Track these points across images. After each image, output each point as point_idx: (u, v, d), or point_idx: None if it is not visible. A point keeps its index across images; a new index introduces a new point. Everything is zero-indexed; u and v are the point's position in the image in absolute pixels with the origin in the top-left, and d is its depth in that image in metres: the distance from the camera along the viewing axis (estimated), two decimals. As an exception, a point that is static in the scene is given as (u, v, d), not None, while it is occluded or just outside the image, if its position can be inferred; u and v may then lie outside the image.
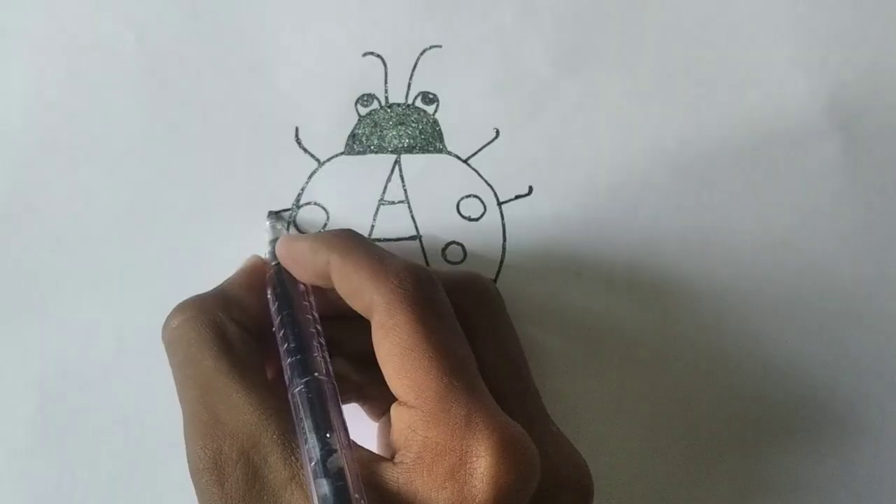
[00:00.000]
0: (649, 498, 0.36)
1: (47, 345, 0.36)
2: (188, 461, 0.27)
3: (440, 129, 0.37)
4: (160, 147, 0.36)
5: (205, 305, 0.30)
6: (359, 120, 0.37)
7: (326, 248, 0.29)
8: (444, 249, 0.36)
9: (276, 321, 0.30)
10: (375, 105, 0.37)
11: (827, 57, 0.37)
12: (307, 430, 0.26)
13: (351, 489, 0.25)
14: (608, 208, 0.37)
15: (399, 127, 0.37)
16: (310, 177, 0.36)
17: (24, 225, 0.36)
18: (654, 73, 0.37)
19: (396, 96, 0.37)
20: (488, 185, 0.37)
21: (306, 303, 0.31)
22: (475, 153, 0.37)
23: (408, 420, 0.26)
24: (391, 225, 0.36)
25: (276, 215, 0.36)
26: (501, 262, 0.36)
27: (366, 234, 0.36)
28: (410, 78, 0.37)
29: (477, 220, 0.37)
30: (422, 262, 0.36)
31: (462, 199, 0.37)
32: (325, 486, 0.25)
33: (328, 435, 0.26)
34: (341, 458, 0.25)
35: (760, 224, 0.37)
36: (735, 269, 0.37)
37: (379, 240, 0.36)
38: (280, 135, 0.36)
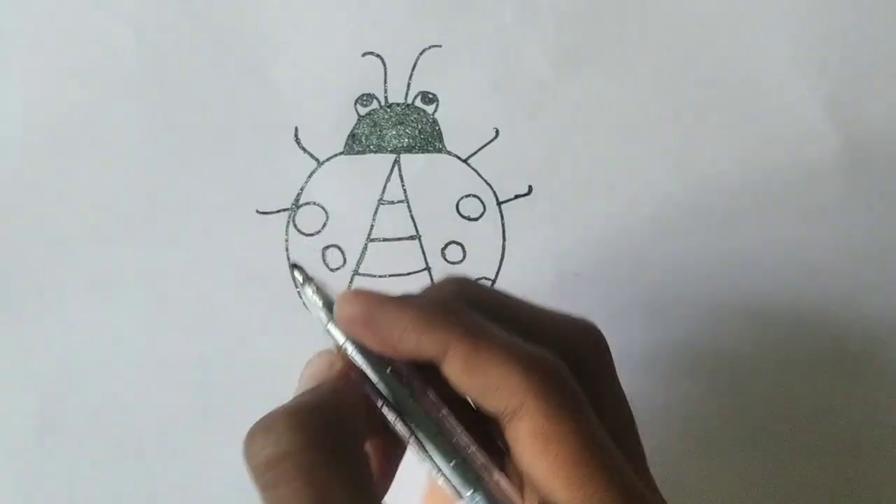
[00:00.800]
0: None
1: (47, 345, 0.36)
2: None
3: (440, 129, 0.37)
4: (160, 147, 0.36)
5: (321, 419, 0.25)
6: (358, 120, 0.37)
7: (445, 330, 0.24)
8: (443, 249, 0.36)
9: (395, 422, 0.25)
10: (375, 105, 0.37)
11: (827, 57, 0.37)
12: None
13: None
14: (608, 208, 0.37)
15: (398, 127, 0.37)
16: (309, 176, 0.36)
17: (24, 225, 0.36)
18: (654, 73, 0.37)
19: (396, 96, 0.37)
20: (488, 184, 0.37)
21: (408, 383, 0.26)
22: (475, 153, 0.37)
23: None
24: (391, 225, 0.36)
25: (299, 270, 0.27)
26: (501, 261, 0.36)
27: (365, 234, 0.36)
28: (410, 78, 0.37)
29: (476, 219, 0.37)
30: (421, 262, 0.36)
31: (461, 198, 0.37)
32: None
33: None
34: None
35: (760, 223, 0.37)
36: (734, 268, 0.37)
37: (378, 239, 0.36)
38: (279, 134, 0.36)
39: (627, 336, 0.36)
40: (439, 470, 0.25)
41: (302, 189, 0.36)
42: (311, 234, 0.36)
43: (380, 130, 0.37)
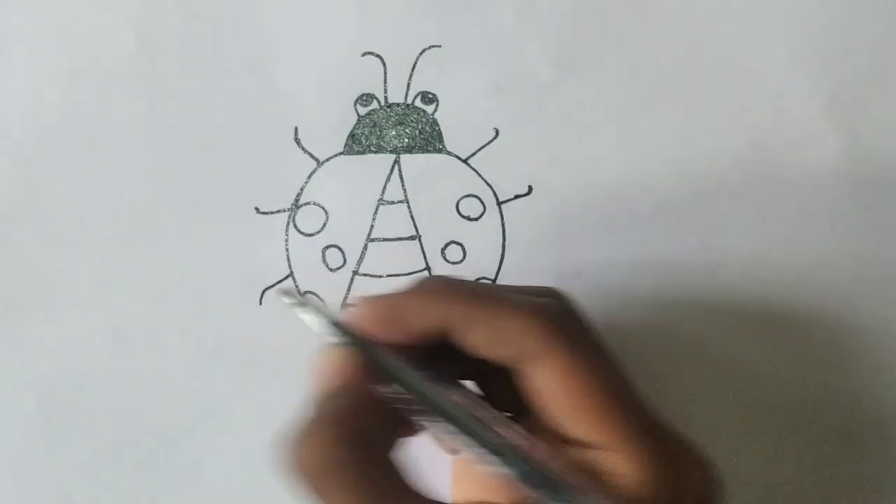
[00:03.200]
0: None
1: (47, 345, 0.36)
2: None
3: (440, 129, 0.37)
4: (160, 147, 0.36)
5: (347, 425, 0.26)
6: (358, 120, 0.37)
7: (443, 301, 0.26)
8: (443, 249, 0.36)
9: (429, 418, 0.26)
10: (375, 105, 0.37)
11: (827, 57, 0.37)
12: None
13: None
14: (608, 208, 0.37)
15: (398, 127, 0.37)
16: (309, 177, 0.36)
17: (24, 225, 0.36)
18: (654, 73, 0.37)
19: (396, 96, 0.37)
20: (488, 184, 0.37)
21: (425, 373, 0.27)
22: (475, 153, 0.37)
23: (607, 464, 0.25)
24: (391, 225, 0.36)
25: (285, 293, 0.29)
26: (501, 261, 0.36)
27: (365, 234, 0.36)
28: (410, 78, 0.37)
29: (476, 219, 0.37)
30: (421, 262, 0.36)
31: (461, 198, 0.37)
32: None
33: None
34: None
35: (760, 223, 0.37)
36: (734, 268, 0.37)
37: (379, 239, 0.36)
38: (279, 135, 0.36)
39: (627, 336, 0.36)
40: (470, 445, 0.26)
41: (302, 189, 0.36)
42: (311, 235, 0.36)
43: (380, 130, 0.37)
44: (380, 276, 0.36)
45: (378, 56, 0.37)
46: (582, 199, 0.37)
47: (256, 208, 0.36)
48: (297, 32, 0.37)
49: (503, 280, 0.36)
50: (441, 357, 0.27)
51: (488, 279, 0.36)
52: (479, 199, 0.37)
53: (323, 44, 0.37)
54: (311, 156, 0.36)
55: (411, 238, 0.36)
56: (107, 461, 0.35)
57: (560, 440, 0.26)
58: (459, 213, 0.37)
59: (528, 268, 0.36)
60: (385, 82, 0.37)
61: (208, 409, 0.36)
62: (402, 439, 0.27)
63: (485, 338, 0.26)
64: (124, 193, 0.36)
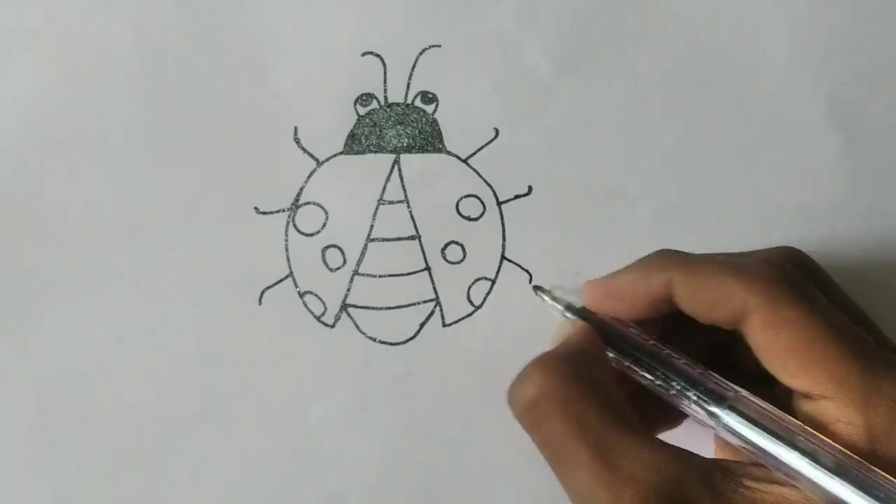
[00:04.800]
0: None
1: (47, 345, 0.36)
2: None
3: (439, 129, 0.37)
4: (159, 147, 0.36)
5: (567, 361, 0.28)
6: (358, 120, 0.37)
7: (660, 270, 0.29)
8: (443, 249, 0.36)
9: (642, 370, 0.29)
10: (374, 105, 0.37)
11: (827, 57, 0.37)
12: (776, 446, 0.26)
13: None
14: (608, 208, 0.37)
15: (398, 126, 0.37)
16: (309, 176, 0.36)
17: (24, 225, 0.36)
18: (654, 73, 0.37)
19: (396, 96, 0.37)
20: (488, 184, 0.37)
21: (650, 340, 0.30)
22: (475, 153, 0.37)
23: (832, 412, 0.26)
24: (390, 225, 0.36)
25: (540, 289, 0.35)
26: (501, 261, 0.36)
27: (365, 234, 0.36)
28: (410, 77, 0.37)
29: (476, 219, 0.37)
30: (421, 262, 0.36)
31: (461, 198, 0.37)
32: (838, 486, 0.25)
33: (801, 439, 0.26)
34: (839, 455, 0.25)
35: (761, 224, 0.37)
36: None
37: (378, 239, 0.36)
38: (279, 134, 0.36)
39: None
40: (689, 399, 0.28)
41: (301, 189, 0.36)
42: (311, 234, 0.36)
43: (379, 130, 0.37)
44: (380, 276, 0.36)
45: (378, 56, 0.37)
46: (582, 199, 0.37)
47: (256, 208, 0.36)
48: (297, 32, 0.37)
49: (502, 280, 0.36)
50: (667, 337, 0.30)
51: (489, 279, 0.36)
52: (479, 199, 0.37)
53: (323, 43, 0.37)
54: (311, 155, 0.36)
55: (411, 238, 0.36)
56: (107, 461, 0.35)
57: (784, 394, 0.27)
58: (459, 213, 0.37)
59: (528, 268, 0.36)
60: (385, 82, 0.37)
61: (208, 409, 0.36)
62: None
63: (706, 298, 0.28)
64: (124, 193, 0.36)
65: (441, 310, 0.36)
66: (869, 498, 0.24)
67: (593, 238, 0.37)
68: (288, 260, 0.36)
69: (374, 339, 0.36)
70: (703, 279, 0.28)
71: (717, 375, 0.28)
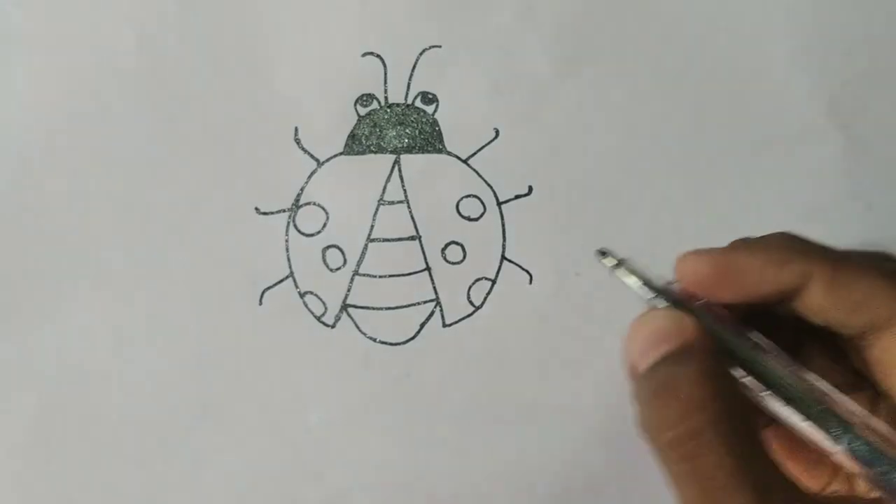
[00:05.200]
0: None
1: (47, 345, 0.36)
2: None
3: (440, 129, 0.37)
4: (160, 147, 0.36)
5: (715, 374, 0.23)
6: (358, 120, 0.37)
7: (800, 258, 0.25)
8: (443, 249, 0.36)
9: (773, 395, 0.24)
10: (375, 105, 0.37)
11: (827, 57, 0.37)
12: None
13: None
14: (608, 208, 0.37)
15: (398, 127, 0.37)
16: (309, 177, 0.36)
17: (24, 225, 0.36)
18: (654, 73, 0.37)
19: (396, 96, 0.37)
20: (488, 185, 0.37)
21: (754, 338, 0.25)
22: (475, 153, 0.37)
23: None
24: (391, 225, 0.36)
25: (603, 254, 0.28)
26: (501, 261, 0.36)
27: (365, 234, 0.36)
28: (410, 78, 0.37)
29: (477, 219, 0.37)
30: (421, 262, 0.36)
31: (462, 198, 0.37)
32: None
33: None
34: None
35: (761, 224, 0.37)
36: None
37: (379, 240, 0.36)
38: (279, 135, 0.36)
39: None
40: (808, 422, 0.24)
41: (302, 189, 0.36)
42: (312, 235, 0.36)
43: (380, 131, 0.37)
44: (380, 277, 0.36)
45: (378, 56, 0.37)
46: (582, 198, 0.37)
47: (257, 208, 0.36)
48: (298, 32, 0.37)
49: (503, 280, 0.36)
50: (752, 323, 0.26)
51: (489, 279, 0.36)
52: (479, 199, 0.37)
53: (323, 44, 0.37)
54: (312, 156, 0.36)
55: (411, 238, 0.36)
56: (107, 461, 0.35)
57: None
58: (459, 214, 0.37)
59: (529, 268, 0.36)
60: (385, 82, 0.37)
61: (208, 409, 0.36)
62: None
63: (852, 300, 0.25)
64: (124, 193, 0.36)
65: (441, 310, 0.36)
66: None
67: (593, 238, 0.36)
68: (288, 260, 0.36)
69: (375, 340, 0.36)
70: (853, 278, 0.25)
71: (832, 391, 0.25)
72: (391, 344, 0.36)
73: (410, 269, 0.36)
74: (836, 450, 0.24)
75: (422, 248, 0.36)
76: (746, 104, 0.37)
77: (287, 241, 0.36)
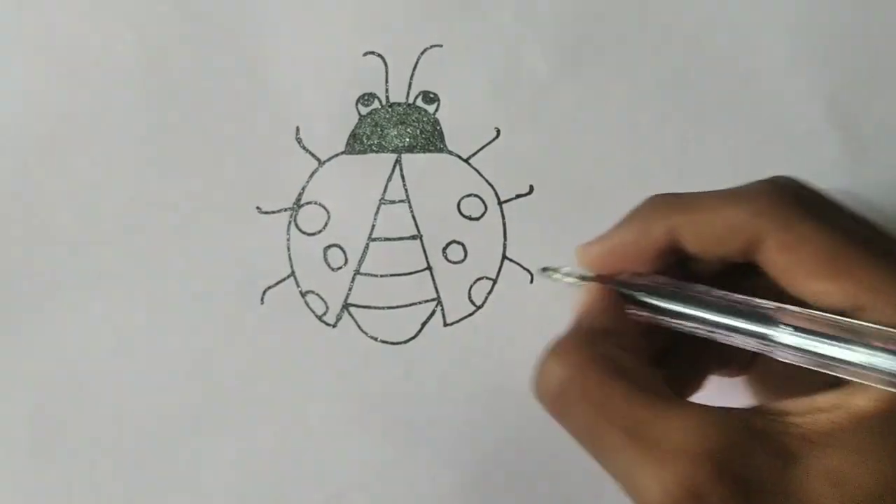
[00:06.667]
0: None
1: (47, 345, 0.36)
2: None
3: (441, 129, 0.37)
4: (160, 147, 0.36)
5: (583, 343, 0.27)
6: (359, 119, 0.37)
7: (660, 217, 0.28)
8: (444, 248, 0.36)
9: (674, 319, 0.27)
10: (376, 104, 0.37)
11: (827, 57, 0.37)
12: (844, 349, 0.24)
13: None
14: (608, 208, 0.37)
15: (400, 126, 0.37)
16: (310, 176, 0.36)
17: (24, 225, 0.36)
18: (654, 73, 0.37)
19: (397, 96, 0.37)
20: (489, 184, 0.37)
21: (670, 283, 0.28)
22: (476, 152, 0.37)
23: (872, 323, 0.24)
24: (392, 224, 0.36)
25: (549, 269, 0.33)
26: (502, 261, 0.36)
27: (366, 234, 0.36)
28: (411, 77, 0.37)
29: (478, 219, 0.37)
30: (422, 262, 0.36)
31: (463, 198, 0.37)
32: None
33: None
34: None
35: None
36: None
37: (380, 239, 0.36)
38: (280, 134, 0.36)
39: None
40: (731, 330, 0.26)
41: (303, 189, 0.36)
42: (313, 234, 0.36)
43: (381, 130, 0.37)
44: (381, 276, 0.36)
45: (379, 56, 0.37)
46: (582, 198, 0.37)
47: (258, 208, 0.36)
48: (298, 32, 0.37)
49: (503, 280, 0.36)
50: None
51: (490, 279, 0.36)
52: (480, 198, 0.37)
53: (324, 44, 0.37)
54: (313, 155, 0.36)
55: (412, 237, 0.36)
56: (107, 461, 0.35)
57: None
58: (461, 213, 0.37)
59: (530, 267, 0.36)
60: (386, 82, 0.37)
61: (208, 409, 0.36)
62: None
63: (714, 234, 0.26)
64: (124, 193, 0.36)
65: (442, 309, 0.36)
66: None
67: (594, 237, 0.37)
68: (290, 259, 0.36)
69: (376, 339, 0.36)
70: (708, 215, 0.27)
71: (748, 297, 0.26)
72: (392, 343, 0.36)
73: (412, 269, 0.36)
74: (768, 347, 0.25)
75: (423, 248, 0.36)
76: (746, 104, 0.37)
77: (288, 240, 0.36)
